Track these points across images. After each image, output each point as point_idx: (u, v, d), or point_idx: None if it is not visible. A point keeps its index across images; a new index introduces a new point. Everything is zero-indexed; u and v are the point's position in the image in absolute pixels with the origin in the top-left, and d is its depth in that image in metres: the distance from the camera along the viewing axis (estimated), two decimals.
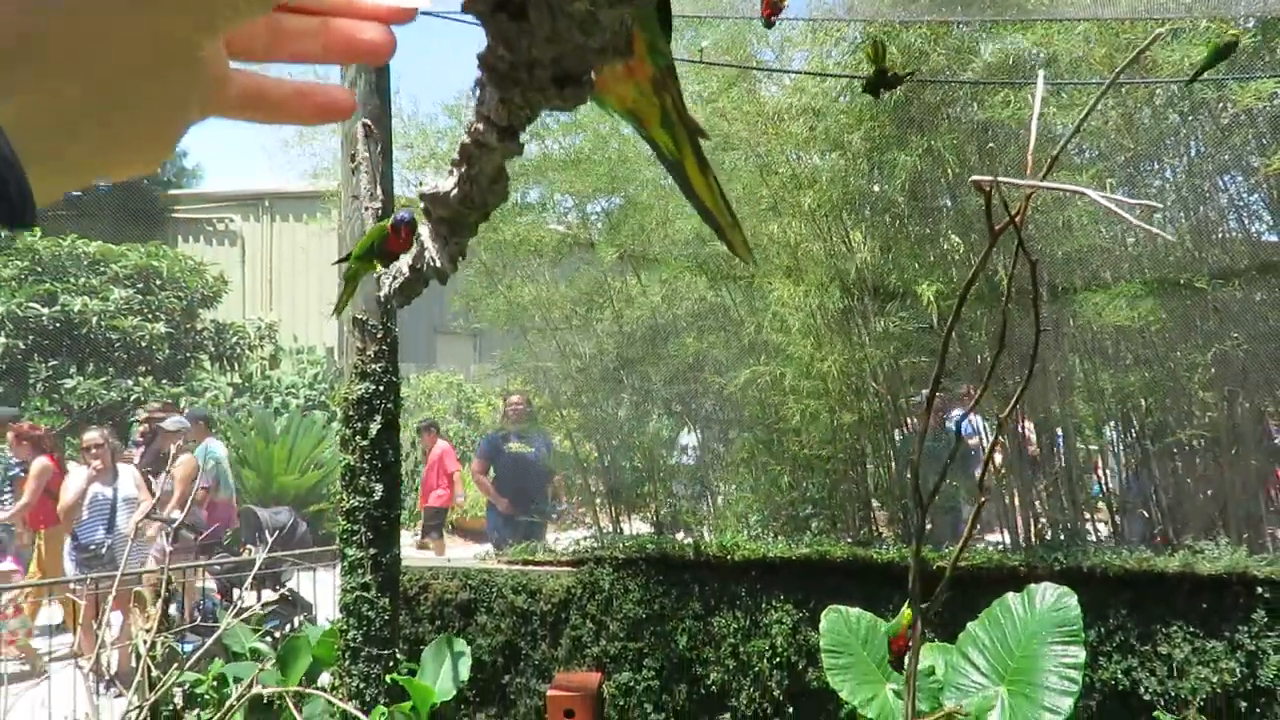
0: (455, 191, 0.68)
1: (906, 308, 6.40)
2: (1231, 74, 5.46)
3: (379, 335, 5.23)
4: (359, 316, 5.25)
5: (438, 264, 0.77)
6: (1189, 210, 6.77)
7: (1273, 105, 5.78)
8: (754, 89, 6.65)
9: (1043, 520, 6.78)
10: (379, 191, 5.29)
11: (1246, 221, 7.29)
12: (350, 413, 5.19)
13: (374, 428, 5.14)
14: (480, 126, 0.60)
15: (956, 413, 7.77)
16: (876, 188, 6.78)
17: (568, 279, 7.83)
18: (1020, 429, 6.88)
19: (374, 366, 5.19)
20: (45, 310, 14.11)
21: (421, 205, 0.77)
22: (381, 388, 5.18)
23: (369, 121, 5.37)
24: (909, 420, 7.18)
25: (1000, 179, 2.57)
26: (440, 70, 12.42)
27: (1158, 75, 5.67)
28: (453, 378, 15.02)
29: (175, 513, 7.70)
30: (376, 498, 5.12)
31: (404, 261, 0.93)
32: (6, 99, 0.38)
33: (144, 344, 14.45)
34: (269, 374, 16.18)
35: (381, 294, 1.07)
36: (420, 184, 0.80)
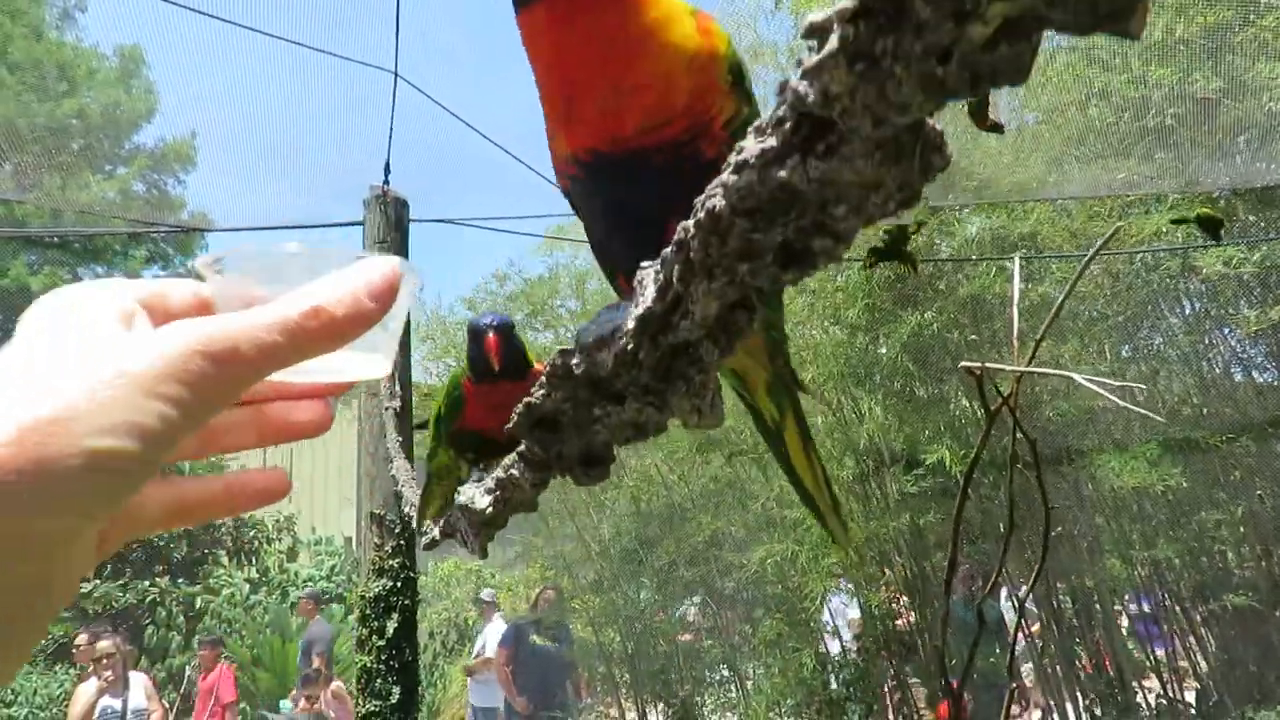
0: (490, 510, 0.82)
1: (923, 472, 6.38)
2: (1200, 242, 5.71)
3: (396, 530, 5.25)
4: (376, 512, 5.30)
5: (470, 548, 0.89)
6: (1191, 365, 6.88)
7: (1240, 269, 5.97)
8: None
9: (1090, 694, 6.43)
10: (398, 389, 5.49)
11: (1255, 374, 7.37)
12: (367, 611, 5.12)
13: (391, 626, 5.05)
14: (515, 474, 0.75)
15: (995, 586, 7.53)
16: (883, 351, 6.93)
17: None
18: (1054, 599, 6.66)
19: (391, 563, 5.17)
20: None
21: (457, 505, 0.90)
22: (399, 584, 5.14)
23: None
24: (937, 591, 6.97)
25: (989, 365, 2.68)
26: (459, 265, 13.15)
27: (1135, 244, 5.93)
28: (471, 564, 14.76)
29: None
30: (394, 701, 4.96)
31: (435, 525, 1.03)
32: None
33: (161, 542, 14.42)
34: (287, 567, 15.98)
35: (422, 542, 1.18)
36: (459, 492, 0.94)
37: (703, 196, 0.53)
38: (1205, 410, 6.56)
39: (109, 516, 0.45)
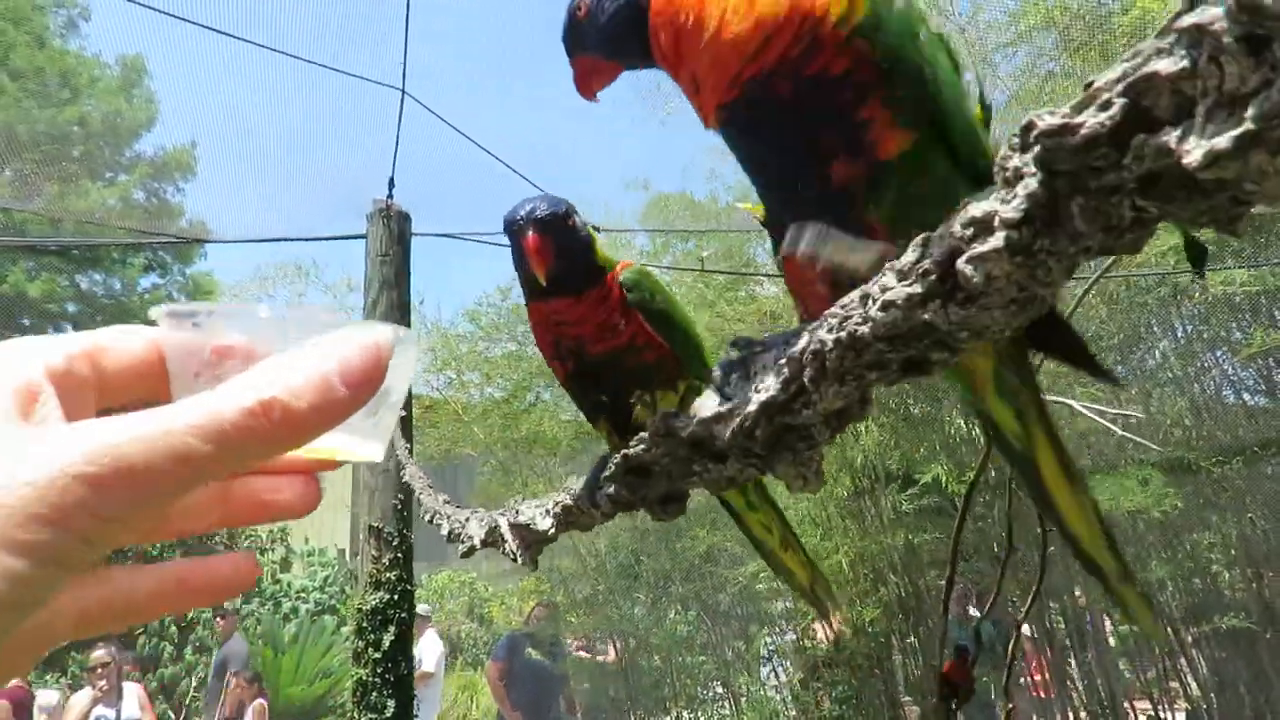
0: (552, 533, 0.88)
1: (918, 491, 6.42)
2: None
3: (394, 543, 5.26)
4: (375, 524, 5.31)
5: (519, 561, 0.95)
6: (1183, 389, 6.95)
7: (1241, 290, 6.06)
8: (753, 292, 7.04)
9: (1083, 714, 6.46)
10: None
11: (1246, 397, 7.44)
12: (364, 624, 5.12)
13: (387, 639, 5.06)
14: (591, 504, 0.81)
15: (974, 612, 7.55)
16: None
17: (580, 473, 7.93)
18: (1047, 619, 6.70)
19: (389, 575, 5.18)
20: None
21: (508, 523, 0.95)
22: (396, 597, 5.15)
23: None
24: (933, 608, 7.00)
25: None
26: (461, 279, 13.24)
27: (1134, 267, 6.01)
28: (465, 576, 14.76)
29: None
30: (389, 714, 4.96)
31: (477, 533, 1.08)
32: None
33: (155, 551, 14.36)
34: (280, 578, 15.93)
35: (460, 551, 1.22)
36: (517, 511, 0.99)
37: (840, 314, 0.60)
38: (1197, 432, 6.63)
39: None
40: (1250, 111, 0.36)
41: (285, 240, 7.21)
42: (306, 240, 6.92)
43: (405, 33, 4.88)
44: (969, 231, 0.50)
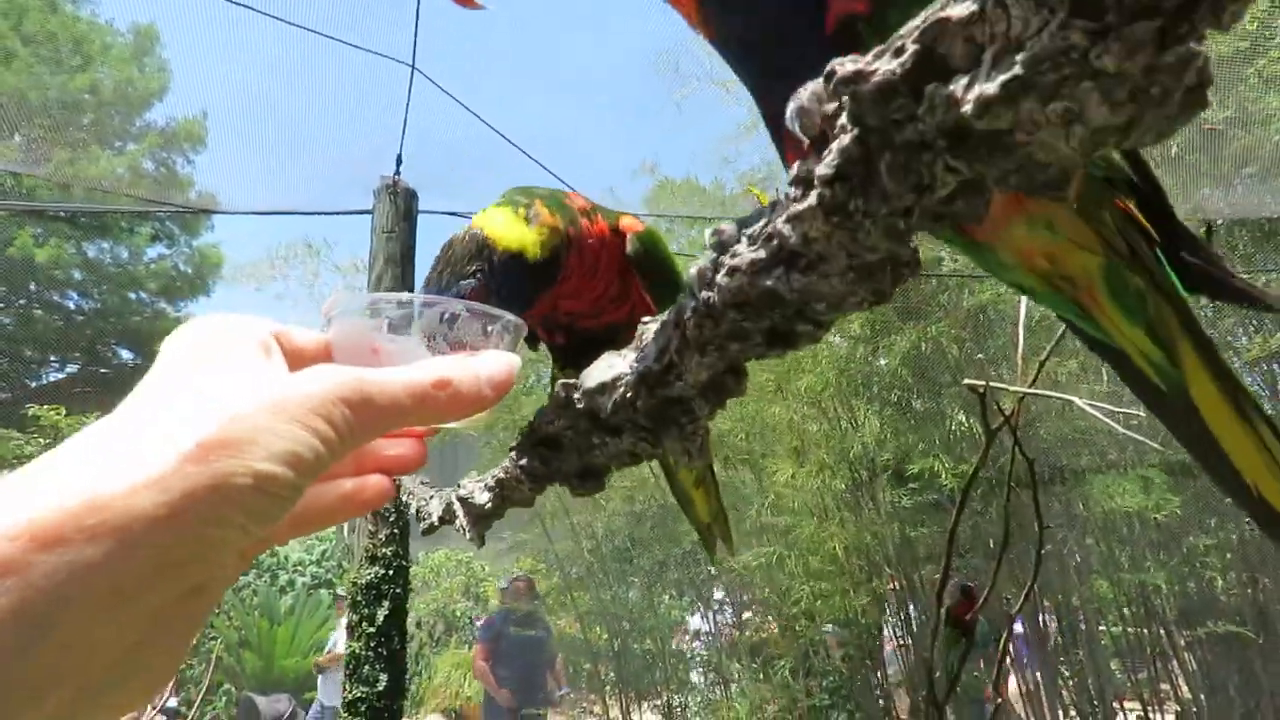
0: (489, 506, 0.87)
1: (917, 485, 6.42)
2: None
3: (391, 518, 5.27)
4: None
5: (468, 536, 0.94)
6: None
7: None
8: None
9: (1073, 713, 6.47)
10: None
11: None
12: (358, 598, 5.15)
13: (381, 614, 5.08)
14: (517, 478, 0.80)
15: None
16: (883, 363, 6.97)
17: None
18: (1041, 617, 6.70)
19: (385, 550, 5.19)
20: None
21: (458, 498, 0.95)
22: (391, 572, 5.17)
23: None
24: (925, 600, 7.01)
25: (992, 384, 2.71)
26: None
27: None
28: (461, 555, 14.80)
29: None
30: (380, 688, 4.99)
31: (436, 510, 1.07)
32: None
33: None
34: (276, 551, 15.99)
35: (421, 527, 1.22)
36: (460, 485, 1.00)
37: (701, 289, 0.59)
38: None
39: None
40: (1020, 55, 0.34)
41: (292, 214, 7.20)
42: (312, 214, 6.90)
43: (417, 8, 4.85)
44: (797, 190, 0.48)
